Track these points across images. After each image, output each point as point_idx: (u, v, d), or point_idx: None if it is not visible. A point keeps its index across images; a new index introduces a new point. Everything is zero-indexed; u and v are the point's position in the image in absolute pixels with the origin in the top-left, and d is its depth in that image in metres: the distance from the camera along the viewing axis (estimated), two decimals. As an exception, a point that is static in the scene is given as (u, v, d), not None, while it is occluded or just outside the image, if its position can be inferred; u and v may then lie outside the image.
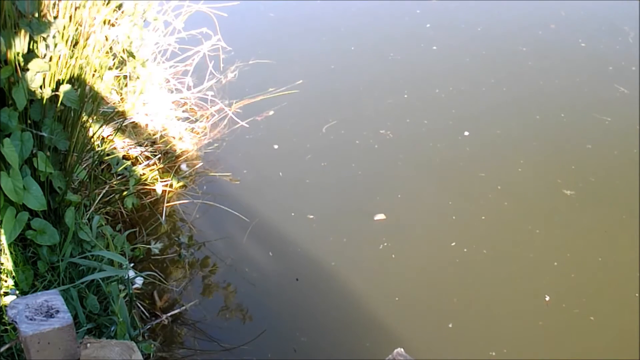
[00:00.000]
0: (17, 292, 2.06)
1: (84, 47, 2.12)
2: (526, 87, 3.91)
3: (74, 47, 2.08)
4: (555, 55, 4.23)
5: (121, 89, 3.10)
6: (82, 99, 2.16)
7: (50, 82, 2.02)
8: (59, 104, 2.07)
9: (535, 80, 3.97)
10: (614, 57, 4.16)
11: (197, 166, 3.24)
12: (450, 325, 2.49)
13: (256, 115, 3.56)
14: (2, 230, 1.99)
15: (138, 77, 3.08)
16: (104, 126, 2.83)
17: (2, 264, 2.05)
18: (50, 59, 2.00)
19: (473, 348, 2.40)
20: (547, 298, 2.58)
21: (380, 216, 2.99)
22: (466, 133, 3.49)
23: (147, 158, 3.03)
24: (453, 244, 2.84)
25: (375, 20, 4.69)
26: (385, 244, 2.85)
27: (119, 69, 2.97)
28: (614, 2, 4.91)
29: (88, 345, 1.60)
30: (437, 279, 2.69)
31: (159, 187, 2.95)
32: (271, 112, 3.61)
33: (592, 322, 2.48)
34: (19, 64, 1.91)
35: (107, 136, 2.95)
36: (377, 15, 4.74)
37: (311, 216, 3.00)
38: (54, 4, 1.98)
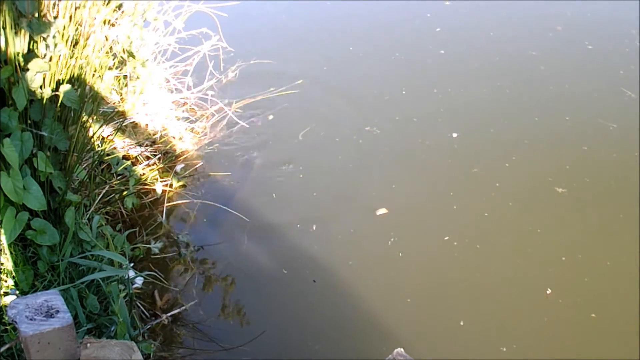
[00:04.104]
0: (17, 292, 2.06)
1: (84, 47, 2.12)
2: (530, 90, 3.88)
3: (74, 47, 2.08)
4: (564, 59, 4.18)
5: (121, 89, 3.10)
6: (82, 99, 2.16)
7: (50, 82, 2.02)
8: (59, 104, 2.07)
9: (544, 84, 3.93)
10: (623, 61, 4.12)
11: (197, 166, 3.24)
12: (461, 323, 2.50)
13: (253, 117, 3.57)
14: (2, 230, 1.99)
15: (138, 77, 3.08)
16: (104, 126, 2.83)
17: (2, 264, 2.05)
18: (50, 59, 2.00)
19: (484, 344, 2.42)
20: (549, 291, 2.59)
21: (382, 210, 2.98)
22: (454, 135, 3.49)
23: (147, 158, 3.03)
24: (446, 237, 2.85)
25: (385, 23, 4.66)
26: (393, 239, 2.86)
27: (119, 69, 2.97)
28: (616, 3, 4.89)
29: (88, 345, 1.60)
30: (443, 276, 2.70)
31: (158, 187, 2.95)
32: (270, 117, 3.62)
33: (593, 319, 2.50)
34: (19, 64, 1.91)
35: (107, 136, 2.95)
36: (386, 17, 4.71)
37: (311, 215, 3.00)
38: (54, 4, 1.98)
